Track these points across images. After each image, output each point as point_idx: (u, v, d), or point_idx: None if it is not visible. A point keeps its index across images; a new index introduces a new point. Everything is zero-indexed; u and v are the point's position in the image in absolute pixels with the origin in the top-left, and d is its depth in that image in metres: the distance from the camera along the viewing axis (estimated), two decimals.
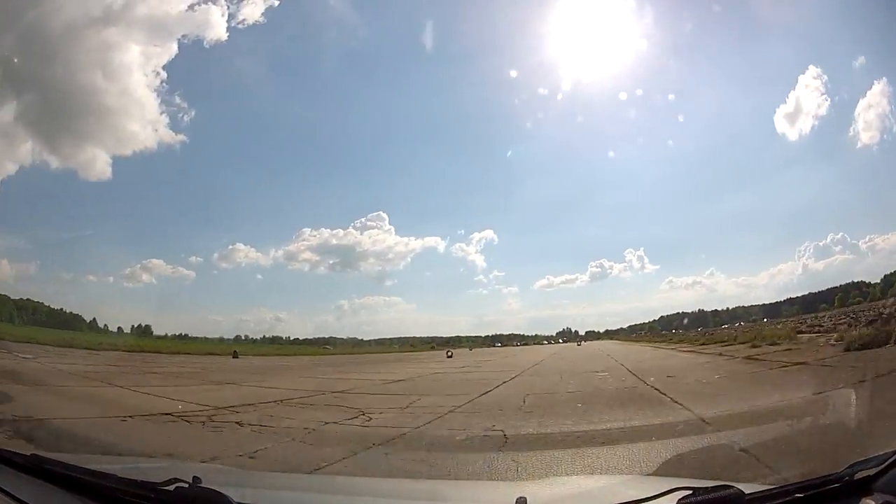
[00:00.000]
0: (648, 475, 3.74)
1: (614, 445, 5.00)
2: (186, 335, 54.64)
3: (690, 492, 1.55)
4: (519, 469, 4.37)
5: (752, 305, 75.56)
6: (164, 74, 56.57)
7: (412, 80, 77.18)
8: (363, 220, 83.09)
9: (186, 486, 1.67)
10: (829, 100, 72.49)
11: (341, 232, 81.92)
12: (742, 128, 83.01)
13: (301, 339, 67.69)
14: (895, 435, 4.21)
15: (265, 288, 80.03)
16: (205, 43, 62.37)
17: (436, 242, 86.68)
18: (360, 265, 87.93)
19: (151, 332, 52.43)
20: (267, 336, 67.94)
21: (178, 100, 65.92)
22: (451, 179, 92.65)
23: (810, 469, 2.78)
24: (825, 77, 70.57)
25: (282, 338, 67.19)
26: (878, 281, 62.30)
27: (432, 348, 63.99)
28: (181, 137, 61.91)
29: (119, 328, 51.68)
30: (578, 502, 2.19)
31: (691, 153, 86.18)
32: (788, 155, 79.12)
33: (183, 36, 58.60)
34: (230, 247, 76.92)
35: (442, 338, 77.48)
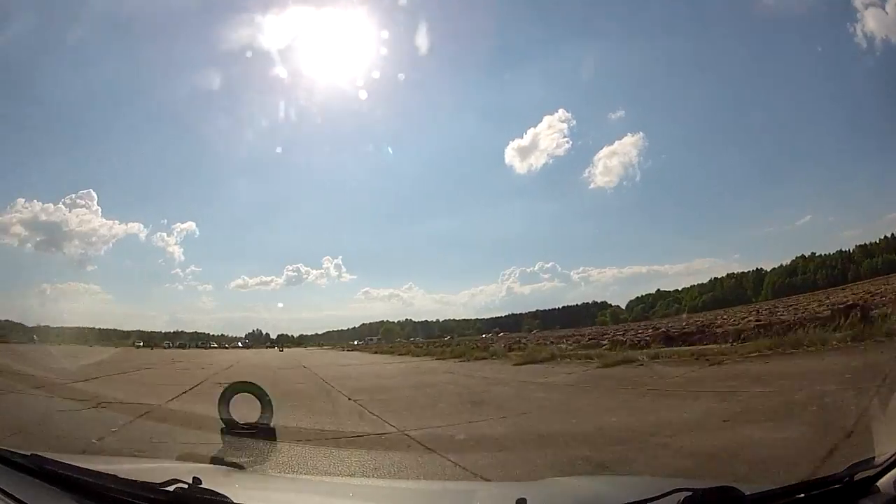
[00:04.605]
0: (649, 476, 3.74)
1: None
2: None
3: (691, 493, 1.55)
4: (519, 469, 4.36)
5: (473, 319, 78.73)
6: None
7: (137, 55, 69.64)
8: (73, 196, 75.35)
9: (186, 486, 1.67)
10: (570, 142, 76.62)
11: (52, 207, 74.33)
12: (468, 154, 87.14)
13: None
14: (895, 436, 4.21)
15: None
16: None
17: (138, 229, 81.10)
18: (65, 246, 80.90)
19: None
20: None
21: None
22: (161, 163, 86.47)
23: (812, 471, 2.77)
24: (574, 122, 73.90)
25: None
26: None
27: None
28: None
29: None
30: (579, 503, 2.18)
31: (404, 169, 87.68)
32: (512, 186, 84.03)
33: None
34: None
35: (141, 332, 69.80)
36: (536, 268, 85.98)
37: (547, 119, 77.29)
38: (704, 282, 67.67)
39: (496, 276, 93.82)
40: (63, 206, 76.16)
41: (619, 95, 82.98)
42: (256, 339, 77.57)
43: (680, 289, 70.09)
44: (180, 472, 1.80)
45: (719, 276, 66.79)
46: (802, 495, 1.55)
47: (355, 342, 68.39)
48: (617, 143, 78.49)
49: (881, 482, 1.57)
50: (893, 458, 1.60)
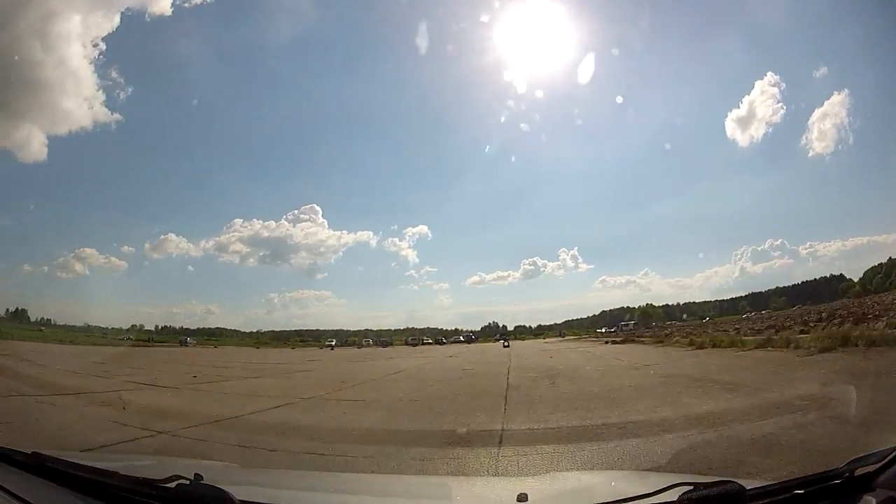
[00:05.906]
0: (649, 470, 3.75)
1: None
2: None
3: (692, 487, 1.55)
4: (520, 464, 4.38)
5: (712, 301, 76.44)
6: (102, 46, 54.00)
7: (354, 73, 77.32)
8: (296, 212, 79.99)
9: (188, 483, 1.67)
10: (784, 107, 71.99)
11: (273, 224, 79.25)
12: (690, 131, 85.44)
13: (193, 329, 65.03)
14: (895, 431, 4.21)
15: (196, 279, 79.39)
16: (147, 16, 57.80)
17: (368, 237, 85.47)
18: (291, 258, 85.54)
19: (28, 318, 50.81)
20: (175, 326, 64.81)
21: (115, 74, 61.89)
22: (387, 173, 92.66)
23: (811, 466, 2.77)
24: (783, 84, 69.50)
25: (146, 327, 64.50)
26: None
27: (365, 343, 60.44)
28: (116, 116, 60.00)
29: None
30: (579, 498, 2.18)
31: (631, 154, 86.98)
32: (736, 160, 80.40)
33: (127, 8, 53.65)
34: (162, 237, 77.17)
35: (372, 331, 75.52)
36: (767, 245, 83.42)
37: (758, 85, 72.79)
38: None
39: (728, 257, 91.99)
40: (286, 222, 77.67)
41: (818, 50, 73.58)
42: (491, 332, 77.93)
43: None
44: (182, 468, 1.81)
45: None
46: (802, 490, 1.55)
47: (602, 329, 61.29)
48: (826, 103, 71.15)
49: (882, 477, 1.56)
50: (894, 452, 1.59)
